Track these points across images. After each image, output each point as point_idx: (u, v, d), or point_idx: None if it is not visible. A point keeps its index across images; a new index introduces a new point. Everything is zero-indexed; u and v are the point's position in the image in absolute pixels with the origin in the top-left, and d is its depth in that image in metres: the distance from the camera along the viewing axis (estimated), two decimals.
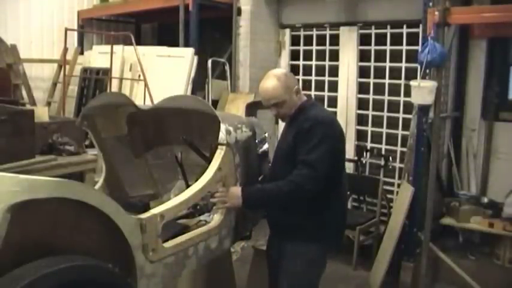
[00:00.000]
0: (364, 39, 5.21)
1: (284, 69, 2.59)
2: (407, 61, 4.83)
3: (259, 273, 3.40)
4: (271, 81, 2.47)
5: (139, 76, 5.47)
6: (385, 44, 5.02)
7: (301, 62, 5.73)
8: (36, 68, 6.50)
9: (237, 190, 2.46)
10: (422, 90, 3.68)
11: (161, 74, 5.34)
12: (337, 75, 5.41)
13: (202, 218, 2.89)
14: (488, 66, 4.59)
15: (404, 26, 4.84)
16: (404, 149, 4.60)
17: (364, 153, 5.09)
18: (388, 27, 4.98)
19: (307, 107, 2.52)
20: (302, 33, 5.69)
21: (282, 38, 5.86)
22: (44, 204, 1.73)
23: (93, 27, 6.97)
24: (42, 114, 4.27)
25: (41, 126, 3.95)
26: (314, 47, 5.59)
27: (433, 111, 3.86)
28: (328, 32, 5.47)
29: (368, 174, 5.12)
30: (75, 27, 6.61)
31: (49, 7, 6.58)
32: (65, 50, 5.96)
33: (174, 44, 5.65)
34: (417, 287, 3.93)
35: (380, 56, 5.09)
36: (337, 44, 5.38)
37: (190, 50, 5.31)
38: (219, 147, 2.52)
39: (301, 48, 5.71)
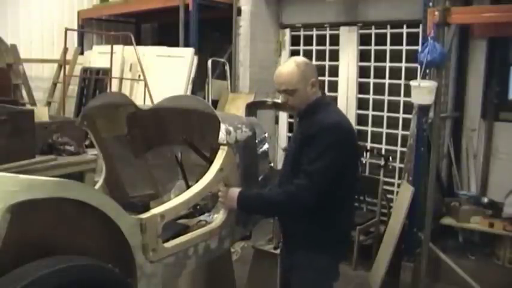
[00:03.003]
0: (364, 39, 5.21)
1: (307, 59, 2.47)
2: (407, 61, 4.83)
3: (259, 273, 3.40)
4: (288, 66, 2.34)
5: (139, 76, 5.47)
6: (385, 44, 5.01)
7: None
8: (36, 68, 6.50)
9: (234, 193, 2.41)
10: (422, 90, 3.68)
11: (161, 74, 5.33)
12: (337, 75, 5.41)
13: (202, 218, 2.90)
14: (488, 66, 4.59)
15: (404, 26, 4.84)
16: (404, 149, 4.60)
17: (364, 153, 5.09)
18: (388, 27, 4.97)
19: (319, 105, 2.36)
20: (302, 33, 5.69)
21: (282, 38, 5.86)
22: (44, 204, 1.73)
23: (93, 27, 6.97)
24: (42, 114, 4.27)
25: (41, 126, 3.95)
26: (314, 47, 5.59)
27: (433, 111, 3.86)
28: (328, 32, 5.47)
29: (368, 174, 5.12)
30: (75, 27, 6.60)
31: (49, 7, 6.57)
32: (65, 50, 5.96)
33: (174, 44, 5.65)
34: (417, 287, 3.93)
35: (380, 56, 5.09)
36: (337, 44, 5.38)
37: (190, 50, 5.31)
38: (221, 147, 2.50)
39: (301, 48, 5.71)
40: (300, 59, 2.43)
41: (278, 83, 2.37)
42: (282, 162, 2.57)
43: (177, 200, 2.35)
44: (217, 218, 2.58)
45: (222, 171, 2.46)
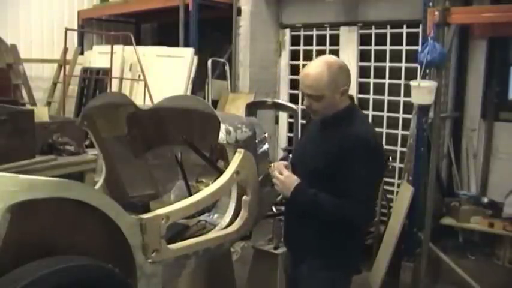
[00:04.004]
0: (364, 39, 5.21)
1: (342, 61, 2.15)
2: (407, 61, 4.83)
3: (259, 273, 3.40)
4: (318, 67, 2.06)
5: (139, 76, 5.47)
6: (385, 44, 5.02)
7: (301, 62, 5.72)
8: (36, 68, 6.50)
9: (292, 181, 2.13)
10: (422, 90, 3.68)
11: (161, 74, 5.33)
12: None
13: (202, 218, 2.89)
14: (488, 66, 4.59)
15: (404, 26, 4.84)
16: (404, 149, 4.59)
17: None
18: (388, 27, 4.97)
19: (351, 116, 2.14)
20: (302, 33, 5.69)
21: (282, 38, 5.86)
22: (44, 204, 1.73)
23: (93, 27, 6.97)
24: (42, 114, 4.27)
25: (41, 126, 3.95)
26: (314, 47, 5.58)
27: (433, 111, 3.86)
28: (328, 32, 5.46)
29: None
30: (75, 27, 6.60)
31: (49, 7, 6.57)
32: (65, 50, 5.96)
33: (174, 44, 5.65)
34: (417, 287, 3.93)
35: (380, 56, 5.09)
36: (337, 44, 5.38)
37: (190, 50, 5.31)
38: (238, 150, 2.49)
39: (301, 48, 5.71)
40: (333, 60, 2.13)
41: (303, 85, 2.12)
42: (292, 168, 2.29)
43: (185, 202, 2.33)
44: (236, 222, 2.52)
45: (238, 175, 2.45)
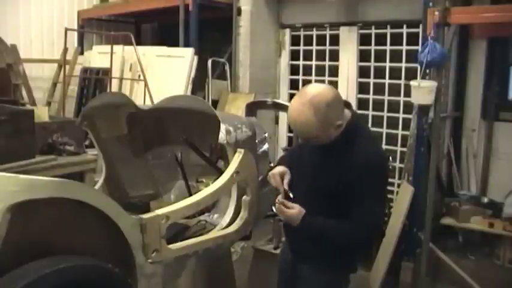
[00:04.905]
0: (364, 39, 5.21)
1: (330, 92, 1.95)
2: (407, 61, 4.83)
3: (259, 273, 3.40)
4: (303, 114, 1.91)
5: (139, 76, 5.47)
6: (385, 44, 5.01)
7: (301, 62, 5.73)
8: (36, 68, 6.51)
9: (299, 214, 2.07)
10: (422, 90, 3.67)
11: (161, 74, 5.34)
12: (337, 75, 5.41)
13: (202, 218, 2.90)
14: (488, 66, 4.58)
15: (404, 26, 4.84)
16: (404, 149, 4.59)
17: None
18: (388, 27, 4.97)
19: (354, 135, 2.04)
20: (302, 33, 5.69)
21: (282, 38, 5.86)
22: (44, 204, 1.73)
23: (93, 27, 6.98)
24: (42, 114, 4.27)
25: (41, 126, 3.95)
26: (314, 47, 5.59)
27: (433, 111, 3.86)
28: (328, 32, 5.46)
29: None
30: (75, 27, 6.61)
31: (49, 7, 6.58)
32: (65, 50, 5.97)
33: (174, 44, 5.66)
34: (417, 287, 3.93)
35: (380, 56, 5.09)
36: (337, 44, 5.38)
37: (190, 50, 5.31)
38: (238, 150, 2.50)
39: (301, 48, 5.71)
40: (320, 97, 1.92)
41: (294, 130, 2.07)
42: (294, 181, 2.21)
43: (185, 202, 2.33)
44: (236, 223, 2.53)
45: (238, 175, 2.45)
